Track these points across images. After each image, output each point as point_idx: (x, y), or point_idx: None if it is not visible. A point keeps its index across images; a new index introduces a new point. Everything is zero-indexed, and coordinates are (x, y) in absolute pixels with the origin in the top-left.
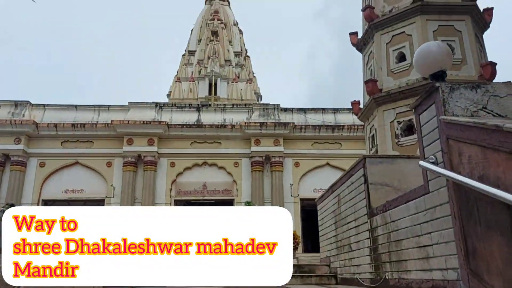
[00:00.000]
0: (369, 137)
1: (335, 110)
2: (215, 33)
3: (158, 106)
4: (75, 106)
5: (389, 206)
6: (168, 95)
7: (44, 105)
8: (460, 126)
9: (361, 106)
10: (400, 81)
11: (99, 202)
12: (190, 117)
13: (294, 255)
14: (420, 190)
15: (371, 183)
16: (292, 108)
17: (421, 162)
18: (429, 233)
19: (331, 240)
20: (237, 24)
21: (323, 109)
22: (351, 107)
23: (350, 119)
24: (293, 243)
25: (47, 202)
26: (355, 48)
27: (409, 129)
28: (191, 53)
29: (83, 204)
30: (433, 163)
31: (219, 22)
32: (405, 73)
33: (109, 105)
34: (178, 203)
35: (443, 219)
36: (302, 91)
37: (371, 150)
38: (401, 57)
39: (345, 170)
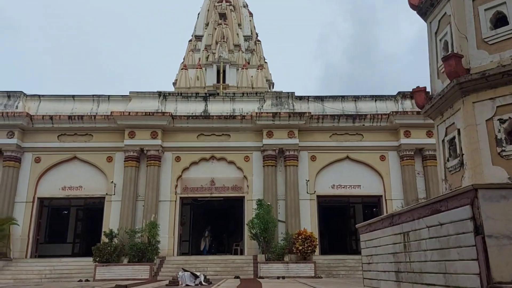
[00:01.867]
0: (444, 141)
1: (356, 98)
2: (223, 16)
3: (162, 95)
4: (73, 96)
5: None
6: (174, 84)
7: (39, 96)
8: None
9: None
10: (501, 56)
11: (99, 200)
12: (196, 107)
13: (311, 259)
14: None
15: (490, 235)
16: (308, 96)
17: None
18: None
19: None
20: (247, 6)
21: (343, 97)
22: (412, 95)
23: (372, 107)
24: (310, 246)
25: (43, 201)
26: (416, 11)
27: None
28: (198, 38)
29: (83, 202)
30: None
31: (228, 4)
32: (508, 43)
33: (109, 95)
34: (184, 200)
35: None
36: (314, 77)
37: (447, 161)
38: (499, 20)
39: (368, 165)
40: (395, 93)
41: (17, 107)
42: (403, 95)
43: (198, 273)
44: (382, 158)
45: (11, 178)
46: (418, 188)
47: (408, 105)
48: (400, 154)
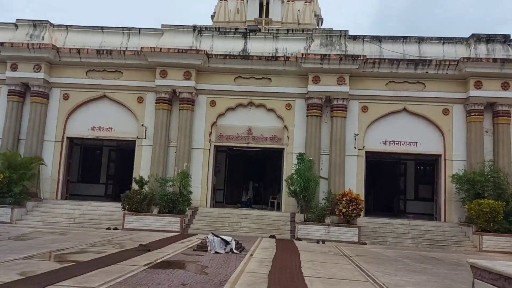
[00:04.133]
0: None
1: (420, 40)
2: None
3: (197, 30)
4: (101, 28)
5: None
6: (212, 17)
7: (66, 27)
8: None
9: None
10: None
11: (130, 143)
12: (234, 45)
13: (355, 222)
14: None
15: None
16: (364, 36)
17: None
18: None
19: None
20: None
21: (404, 37)
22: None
23: (439, 52)
24: (355, 209)
25: (73, 140)
26: None
27: None
28: None
29: (115, 144)
30: None
31: None
32: None
33: (139, 28)
34: (218, 148)
35: None
36: (367, 13)
37: None
38: None
39: (428, 119)
40: (466, 36)
41: (43, 38)
42: (477, 38)
43: (229, 239)
44: (446, 112)
45: (39, 115)
46: (485, 149)
47: (482, 50)
48: (467, 109)
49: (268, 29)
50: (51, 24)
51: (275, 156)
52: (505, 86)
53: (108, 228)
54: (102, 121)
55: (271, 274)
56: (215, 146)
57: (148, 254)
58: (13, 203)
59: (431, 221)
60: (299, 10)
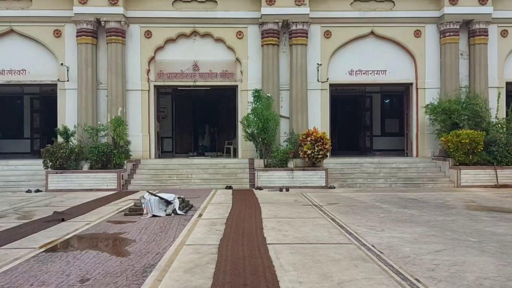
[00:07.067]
0: None
1: None
2: None
3: None
4: None
5: None
6: None
7: None
8: None
9: None
10: None
11: (50, 88)
12: None
13: (321, 164)
14: None
15: None
16: None
17: None
18: None
19: None
20: None
21: None
22: None
23: None
24: (322, 150)
25: None
26: None
27: None
28: None
29: (37, 91)
30: None
31: None
32: None
33: None
34: (160, 90)
35: None
36: None
37: None
38: None
39: (398, 43)
40: None
41: None
42: None
43: (171, 197)
44: (417, 33)
45: None
46: (460, 74)
47: None
48: (441, 29)
49: None
50: None
51: (228, 95)
52: (482, 1)
53: (28, 191)
54: (13, 62)
55: (222, 245)
56: (155, 86)
57: (60, 226)
58: None
59: (402, 157)
60: None
